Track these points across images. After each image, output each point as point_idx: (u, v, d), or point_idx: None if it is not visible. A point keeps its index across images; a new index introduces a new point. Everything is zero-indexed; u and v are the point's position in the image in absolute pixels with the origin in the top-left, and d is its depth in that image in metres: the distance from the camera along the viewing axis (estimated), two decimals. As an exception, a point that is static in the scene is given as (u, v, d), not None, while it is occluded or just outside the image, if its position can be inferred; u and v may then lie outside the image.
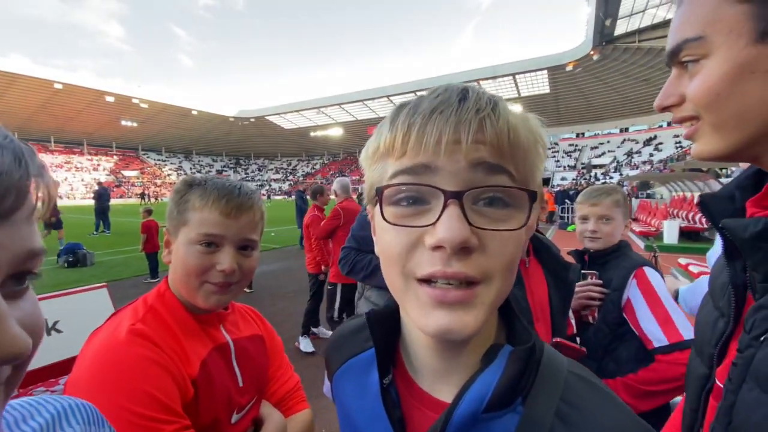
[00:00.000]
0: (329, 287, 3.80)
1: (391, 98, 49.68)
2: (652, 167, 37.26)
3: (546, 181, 39.09)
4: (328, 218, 3.79)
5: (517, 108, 0.38)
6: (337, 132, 65.22)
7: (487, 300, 0.35)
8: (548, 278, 1.20)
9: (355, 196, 3.91)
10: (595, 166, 44.65)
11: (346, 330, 0.56)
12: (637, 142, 46.59)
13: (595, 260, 1.50)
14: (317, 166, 77.65)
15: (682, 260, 5.92)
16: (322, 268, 4.13)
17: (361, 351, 0.50)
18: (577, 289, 1.46)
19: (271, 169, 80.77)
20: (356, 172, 65.39)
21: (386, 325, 0.47)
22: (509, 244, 0.35)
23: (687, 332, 1.21)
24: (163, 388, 0.65)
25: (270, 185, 71.12)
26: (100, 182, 14.48)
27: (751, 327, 0.49)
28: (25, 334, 0.26)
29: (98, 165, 58.58)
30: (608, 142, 49.39)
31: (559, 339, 1.17)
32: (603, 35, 31.49)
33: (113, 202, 13.25)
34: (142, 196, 39.31)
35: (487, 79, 42.21)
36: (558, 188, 24.39)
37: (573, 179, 40.40)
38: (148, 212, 7.09)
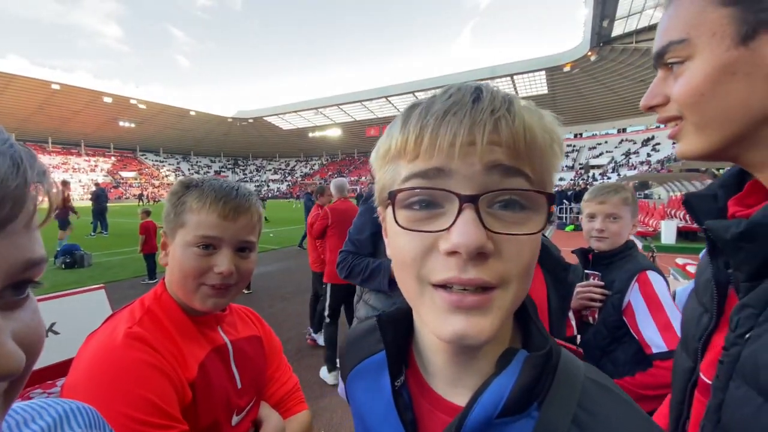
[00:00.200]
0: (323, 286, 3.81)
1: (389, 99, 49.72)
2: (649, 167, 37.41)
3: (544, 182, 38.93)
4: (319, 218, 3.84)
5: (531, 104, 0.37)
6: (335, 132, 65.21)
7: (503, 305, 0.35)
8: (547, 279, 1.20)
9: (353, 196, 3.92)
10: (593, 167, 44.79)
11: (359, 331, 0.55)
12: (635, 143, 46.76)
13: (599, 260, 1.47)
14: (316, 167, 77.61)
15: (680, 260, 5.93)
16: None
17: (374, 352, 0.49)
18: (578, 289, 1.45)
19: (270, 170, 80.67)
20: (355, 173, 65.43)
21: (398, 327, 0.47)
22: (526, 249, 0.34)
23: None
24: (161, 393, 0.64)
25: (268, 186, 71.03)
26: (98, 183, 14.42)
27: (736, 325, 0.51)
28: (20, 351, 0.26)
29: (96, 166, 58.42)
30: (606, 142, 49.57)
31: (557, 341, 1.16)
32: (600, 36, 31.60)
33: (111, 203, 13.16)
34: (140, 197, 39.21)
35: (485, 79, 42.21)
36: (556, 188, 24.37)
37: (571, 180, 40.47)
38: (147, 213, 7.07)
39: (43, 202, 0.28)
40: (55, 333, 3.50)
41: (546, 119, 0.36)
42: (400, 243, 0.37)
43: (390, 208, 0.38)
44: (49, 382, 3.27)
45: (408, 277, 0.37)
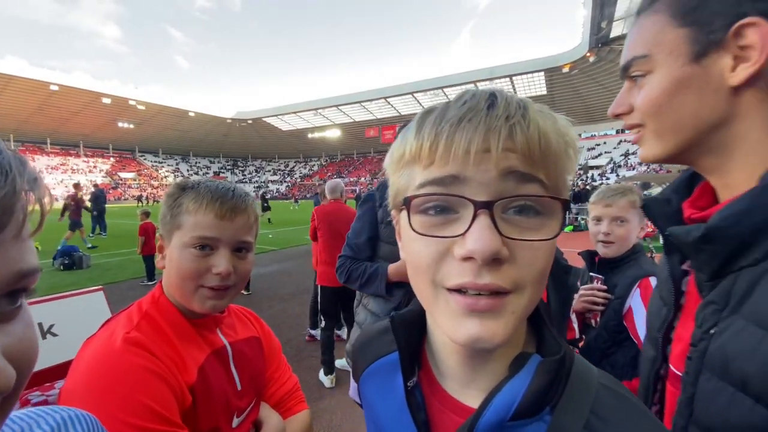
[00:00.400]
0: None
1: (388, 100, 49.74)
2: (648, 168, 37.46)
3: (543, 182, 38.99)
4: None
5: (545, 108, 0.37)
6: (334, 133, 65.20)
7: (517, 309, 0.35)
8: (548, 281, 1.20)
9: (352, 197, 3.91)
10: (591, 167, 44.83)
11: (372, 332, 0.56)
12: (634, 143, 46.70)
13: (605, 263, 1.47)
14: (315, 168, 77.58)
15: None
16: None
17: (387, 353, 0.49)
18: (581, 291, 1.45)
19: (269, 171, 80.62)
20: (354, 173, 65.41)
21: (411, 329, 0.47)
22: (541, 254, 0.35)
23: None
24: (160, 398, 0.64)
25: (267, 186, 70.95)
26: (96, 184, 14.38)
27: (702, 322, 0.54)
28: (9, 368, 0.25)
29: (94, 167, 58.31)
30: (605, 143, 49.60)
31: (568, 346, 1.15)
32: (599, 37, 31.66)
33: (109, 204, 13.11)
34: (139, 198, 39.11)
35: (484, 80, 42.30)
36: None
37: (570, 180, 40.43)
38: (146, 214, 7.04)
39: (34, 211, 0.27)
40: (54, 335, 3.49)
41: (560, 123, 0.36)
42: (414, 248, 0.37)
43: (404, 213, 0.38)
44: (48, 384, 3.26)
45: (423, 282, 0.37)
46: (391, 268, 1.50)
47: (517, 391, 0.36)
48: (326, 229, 3.59)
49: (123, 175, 59.27)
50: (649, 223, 1.01)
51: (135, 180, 59.84)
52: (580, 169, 44.97)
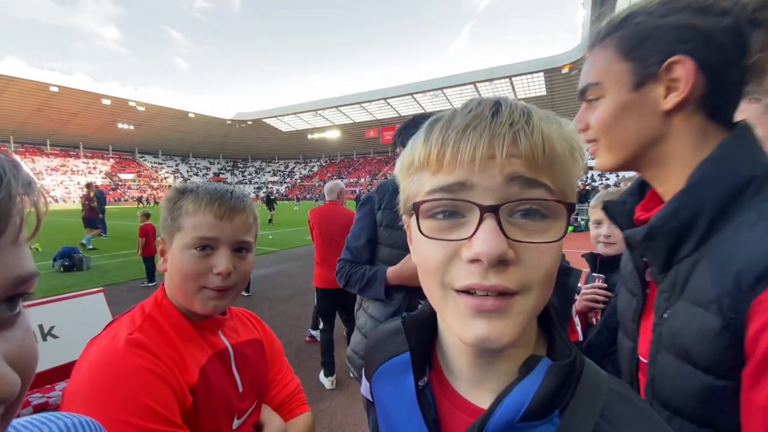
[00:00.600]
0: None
1: (388, 101, 49.75)
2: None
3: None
4: None
5: (550, 114, 0.38)
6: (334, 134, 65.21)
7: (524, 310, 0.35)
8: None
9: (352, 198, 3.87)
10: (591, 168, 44.64)
11: (384, 332, 0.57)
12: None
13: (606, 263, 1.50)
14: (315, 169, 77.59)
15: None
16: None
17: (398, 353, 0.50)
18: (582, 290, 1.47)
19: (269, 172, 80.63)
20: (354, 174, 65.41)
21: (422, 330, 0.48)
22: (546, 256, 0.35)
23: None
24: (161, 399, 0.65)
25: (267, 187, 70.98)
26: (96, 185, 14.38)
27: (657, 309, 0.64)
28: (14, 374, 0.24)
29: (94, 168, 58.32)
30: (604, 143, 49.67)
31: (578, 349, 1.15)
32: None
33: (109, 205, 13.14)
34: (140, 200, 39.09)
35: (483, 81, 42.34)
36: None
37: (578, 183, 40.40)
38: (146, 216, 7.04)
39: (30, 215, 0.26)
40: (55, 337, 3.49)
41: (565, 128, 0.37)
42: (424, 251, 0.38)
43: (414, 218, 0.39)
44: (48, 386, 3.26)
45: (432, 284, 0.38)
46: (391, 271, 1.49)
47: (526, 393, 0.37)
48: (317, 230, 3.58)
49: (123, 176, 59.27)
50: None
51: (135, 181, 59.83)
52: (579, 169, 44.98)
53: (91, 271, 8.08)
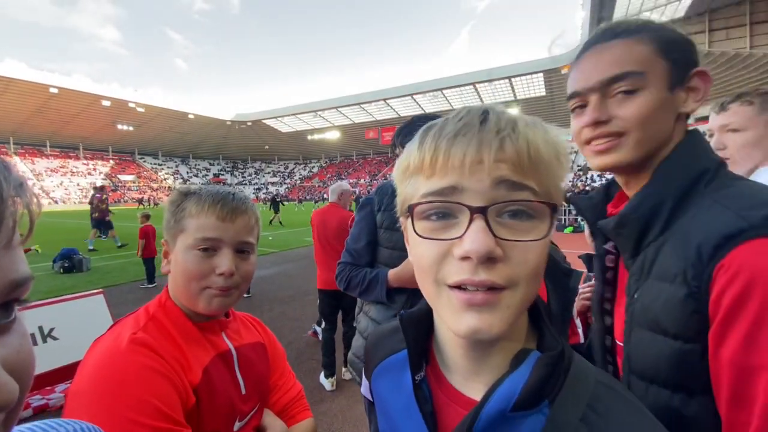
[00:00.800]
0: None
1: (387, 101, 49.79)
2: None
3: (543, 183, 38.98)
4: None
5: (536, 120, 0.41)
6: (334, 135, 65.23)
7: (512, 304, 0.37)
8: (548, 284, 1.20)
9: (354, 199, 3.83)
10: (590, 169, 44.72)
11: (383, 331, 0.60)
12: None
13: None
14: (315, 169, 77.60)
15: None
16: None
17: (396, 350, 0.53)
18: (579, 290, 1.46)
19: (269, 173, 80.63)
20: (354, 175, 65.39)
21: (419, 326, 0.50)
22: (532, 254, 0.37)
23: None
24: (165, 397, 0.65)
25: (267, 188, 70.93)
26: (96, 186, 14.39)
27: (629, 291, 0.70)
28: (13, 381, 0.24)
29: (94, 169, 58.31)
30: (604, 144, 49.64)
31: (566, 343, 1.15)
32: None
33: (110, 206, 13.22)
34: (140, 201, 39.04)
35: (483, 82, 42.36)
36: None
37: (569, 181, 40.31)
38: (146, 217, 7.04)
39: (23, 217, 0.26)
40: (54, 339, 3.50)
41: (550, 134, 0.39)
42: (419, 250, 0.41)
43: (410, 219, 0.42)
44: (48, 388, 3.26)
45: (427, 280, 0.41)
46: (392, 273, 1.48)
47: (517, 384, 0.39)
48: (315, 232, 3.58)
49: (123, 177, 59.27)
50: None
51: (135, 182, 59.82)
52: (579, 170, 44.99)
53: (91, 272, 8.08)
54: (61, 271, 7.90)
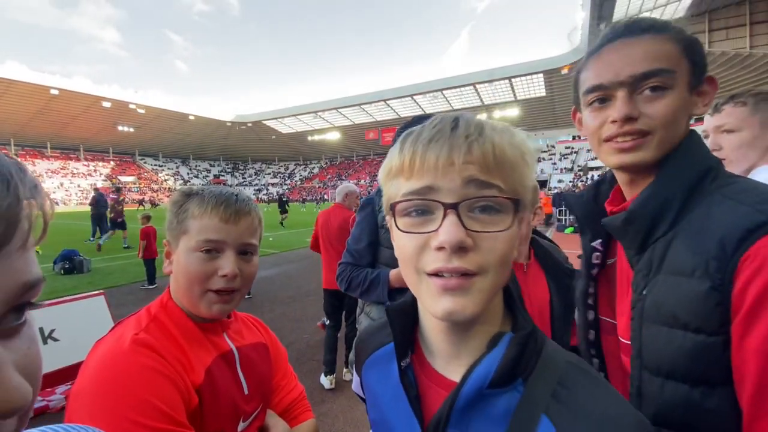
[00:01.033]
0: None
1: (388, 102, 49.83)
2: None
3: (543, 184, 39.14)
4: None
5: (503, 126, 0.45)
6: (334, 136, 65.28)
7: (483, 288, 0.42)
8: (550, 284, 1.19)
9: (353, 200, 3.80)
10: (591, 168, 44.83)
11: (372, 328, 0.64)
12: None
13: None
14: (315, 170, 77.63)
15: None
16: None
17: (384, 344, 0.57)
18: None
19: (269, 174, 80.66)
20: (354, 176, 65.40)
21: (404, 317, 0.53)
22: (499, 243, 0.42)
23: None
24: (167, 398, 0.65)
25: (267, 189, 70.95)
26: (97, 188, 14.41)
27: (636, 287, 0.70)
28: (26, 384, 0.24)
29: (95, 170, 58.37)
30: (604, 144, 49.53)
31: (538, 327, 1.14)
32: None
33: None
34: (141, 202, 39.05)
35: (483, 82, 42.39)
36: (555, 191, 24.43)
37: (570, 182, 40.56)
38: (147, 218, 7.04)
39: (37, 218, 0.26)
40: (55, 340, 3.49)
41: (516, 137, 0.44)
42: (401, 243, 0.45)
43: (392, 216, 0.47)
44: (49, 389, 3.26)
45: (409, 270, 0.45)
46: (393, 273, 1.48)
47: (492, 363, 0.43)
48: (321, 233, 3.57)
49: (123, 178, 59.28)
50: None
51: (135, 183, 59.86)
52: (580, 170, 45.01)
53: (92, 273, 8.07)
54: (62, 272, 7.90)
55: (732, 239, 0.57)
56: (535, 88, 43.22)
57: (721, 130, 1.26)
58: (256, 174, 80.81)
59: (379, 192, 1.64)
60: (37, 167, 51.19)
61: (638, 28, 0.68)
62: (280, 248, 11.45)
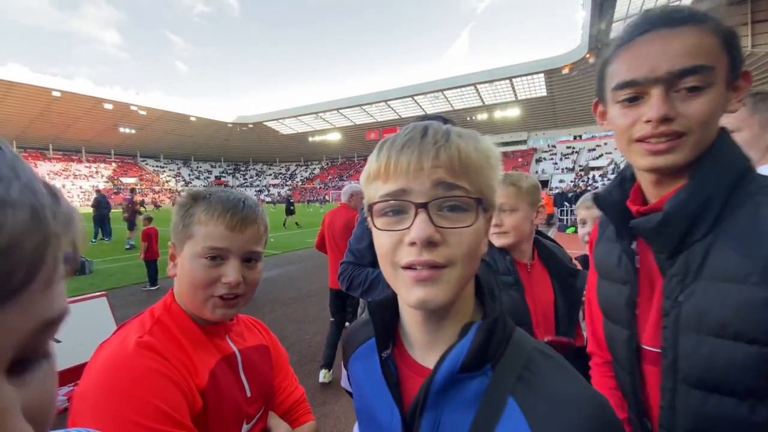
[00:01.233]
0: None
1: (389, 103, 49.84)
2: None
3: (544, 184, 39.13)
4: None
5: (470, 132, 0.50)
6: (335, 137, 65.33)
7: (452, 279, 0.46)
8: (554, 284, 1.19)
9: (359, 200, 3.78)
10: (592, 168, 44.76)
11: (357, 325, 0.68)
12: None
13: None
14: (316, 171, 77.68)
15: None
16: None
17: (368, 338, 0.61)
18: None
19: (270, 175, 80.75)
20: (355, 177, 65.32)
21: (385, 311, 0.57)
22: (465, 238, 0.46)
23: None
24: (171, 401, 0.65)
25: (268, 190, 71.04)
26: (99, 189, 14.45)
27: (670, 294, 0.66)
28: (30, 430, 0.22)
29: (96, 172, 58.53)
30: (605, 144, 49.54)
31: (550, 338, 1.16)
32: (598, 39, 31.70)
33: (111, 209, 13.25)
34: (141, 203, 39.11)
35: (484, 82, 42.36)
36: (556, 190, 24.39)
37: (571, 181, 40.47)
38: (149, 220, 7.07)
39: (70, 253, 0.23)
40: (57, 341, 3.47)
41: (481, 143, 0.49)
42: (380, 240, 0.50)
43: (371, 216, 0.51)
44: (51, 390, 3.26)
45: (386, 264, 0.49)
46: None
47: (462, 349, 0.47)
48: (327, 233, 3.57)
49: (125, 180, 59.44)
50: None
51: (137, 185, 60.01)
52: (581, 170, 44.94)
53: (94, 274, 8.08)
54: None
55: None
56: (535, 88, 43.16)
57: None
58: (257, 175, 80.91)
59: None
60: (40, 169, 51.35)
61: (677, 18, 0.62)
62: (282, 249, 11.44)
